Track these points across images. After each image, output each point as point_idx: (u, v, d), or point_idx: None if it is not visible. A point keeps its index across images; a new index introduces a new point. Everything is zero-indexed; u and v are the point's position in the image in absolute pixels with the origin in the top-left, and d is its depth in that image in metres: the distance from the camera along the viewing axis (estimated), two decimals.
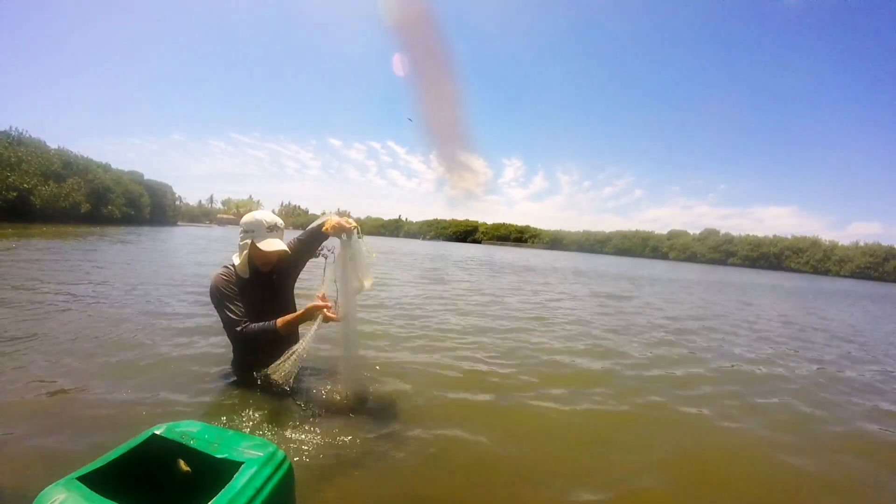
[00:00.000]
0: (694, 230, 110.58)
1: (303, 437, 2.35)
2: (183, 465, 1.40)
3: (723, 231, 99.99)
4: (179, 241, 23.50)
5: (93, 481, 1.21)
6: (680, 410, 3.38)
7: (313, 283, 2.94)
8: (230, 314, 2.62)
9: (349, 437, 2.41)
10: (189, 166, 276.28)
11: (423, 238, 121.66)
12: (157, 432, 1.44)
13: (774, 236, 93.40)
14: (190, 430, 1.45)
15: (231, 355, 3.09)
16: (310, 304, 2.61)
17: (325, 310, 2.57)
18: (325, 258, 2.82)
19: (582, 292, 11.70)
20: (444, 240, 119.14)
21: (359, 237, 2.71)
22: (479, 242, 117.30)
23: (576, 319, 6.80)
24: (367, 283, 2.74)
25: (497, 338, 5.05)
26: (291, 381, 2.55)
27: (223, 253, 15.38)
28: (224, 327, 2.73)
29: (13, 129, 36.41)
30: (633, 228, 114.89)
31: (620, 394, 3.59)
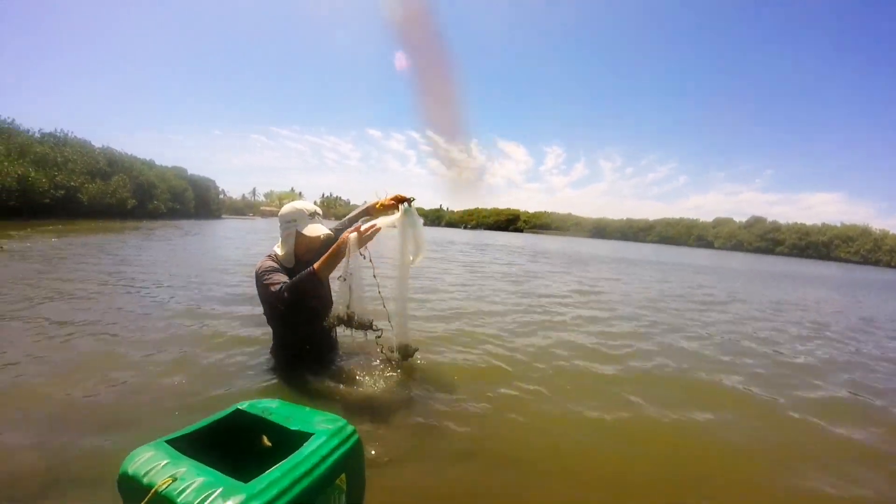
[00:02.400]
0: (740, 217, 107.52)
1: (365, 416, 2.44)
2: (265, 440, 1.59)
3: (770, 218, 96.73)
4: (227, 232, 24.20)
5: (179, 446, 1.35)
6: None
7: None
8: (272, 287, 2.60)
9: (409, 419, 2.51)
10: (231, 161, 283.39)
11: (465, 227, 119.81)
12: (241, 407, 1.62)
13: (823, 224, 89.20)
14: (270, 406, 1.63)
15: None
16: (339, 238, 2.59)
17: (356, 232, 2.56)
18: (363, 255, 2.74)
19: (648, 281, 11.59)
20: (484, 229, 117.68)
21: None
22: (521, 231, 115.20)
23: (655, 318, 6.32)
24: (420, 257, 2.79)
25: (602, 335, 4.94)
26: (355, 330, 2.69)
27: (268, 242, 15.62)
28: (269, 307, 2.78)
29: (59, 130, 37.30)
30: (677, 216, 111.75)
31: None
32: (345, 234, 2.57)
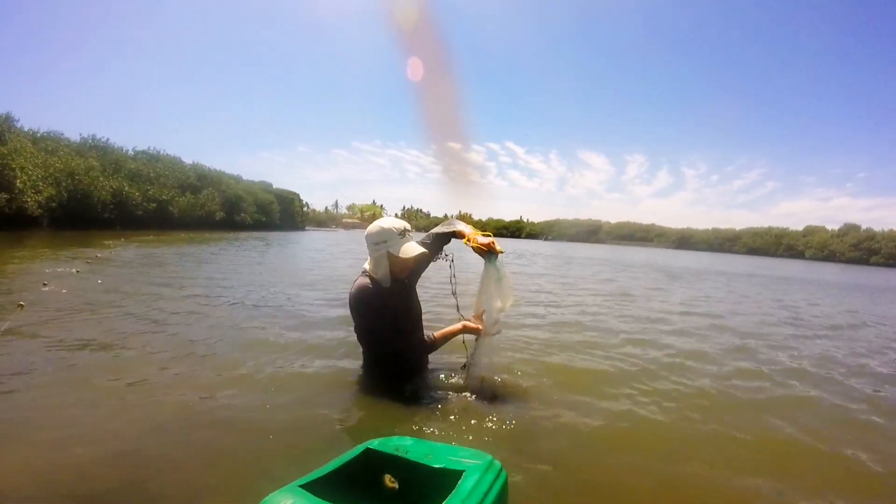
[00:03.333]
0: (832, 225, 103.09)
1: (493, 443, 2.25)
2: (388, 481, 1.45)
3: (864, 225, 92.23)
4: (315, 243, 25.12)
5: (314, 489, 1.26)
6: None
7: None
8: (385, 326, 2.66)
9: (542, 445, 2.30)
10: (315, 175, 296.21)
11: (545, 239, 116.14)
12: (372, 446, 1.50)
13: None
14: (403, 444, 1.51)
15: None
16: (467, 322, 2.81)
17: (477, 330, 2.77)
18: (447, 260, 2.97)
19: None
20: (566, 240, 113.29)
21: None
22: (602, 242, 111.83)
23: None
24: (508, 304, 2.77)
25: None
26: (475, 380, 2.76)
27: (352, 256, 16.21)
28: (373, 340, 2.77)
29: (151, 148, 39.86)
30: (766, 225, 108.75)
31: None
32: (469, 325, 2.79)
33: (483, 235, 2.79)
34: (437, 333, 2.82)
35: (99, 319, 4.14)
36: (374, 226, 2.66)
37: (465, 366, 2.81)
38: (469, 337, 2.88)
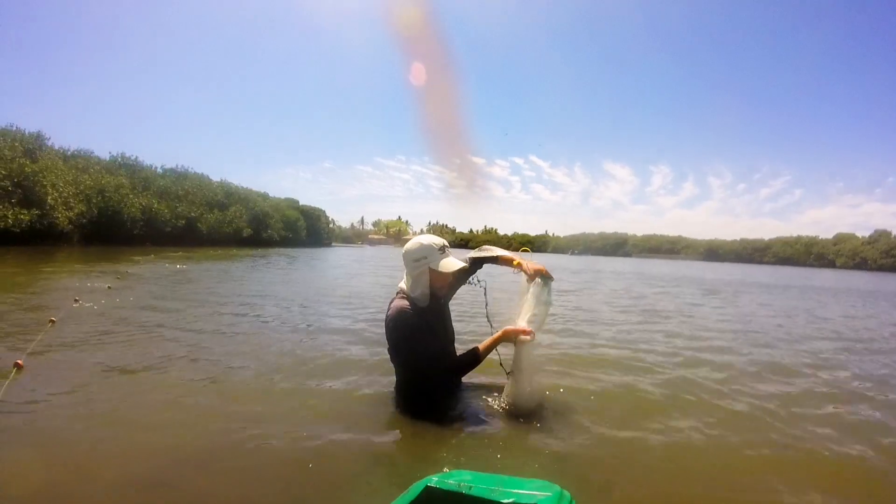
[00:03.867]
0: (863, 232, 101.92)
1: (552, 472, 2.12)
2: None
3: (895, 231, 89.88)
4: (342, 259, 25.22)
5: None
6: None
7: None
8: (430, 348, 2.64)
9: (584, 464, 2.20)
10: (340, 191, 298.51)
11: (572, 253, 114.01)
12: (432, 484, 1.35)
13: None
14: (464, 479, 1.35)
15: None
16: (507, 328, 2.67)
17: (521, 334, 2.64)
18: (480, 286, 2.96)
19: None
20: (591, 254, 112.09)
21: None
22: (629, 255, 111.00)
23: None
24: (542, 327, 2.80)
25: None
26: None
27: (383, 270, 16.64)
28: (420, 362, 2.69)
29: (179, 166, 40.65)
30: (794, 234, 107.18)
31: None
32: (510, 329, 2.65)
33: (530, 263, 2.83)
34: (480, 346, 2.72)
35: (130, 338, 4.04)
36: (414, 242, 2.68)
37: (509, 373, 2.72)
38: (505, 352, 2.81)
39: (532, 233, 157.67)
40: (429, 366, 2.65)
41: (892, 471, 2.32)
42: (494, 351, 2.80)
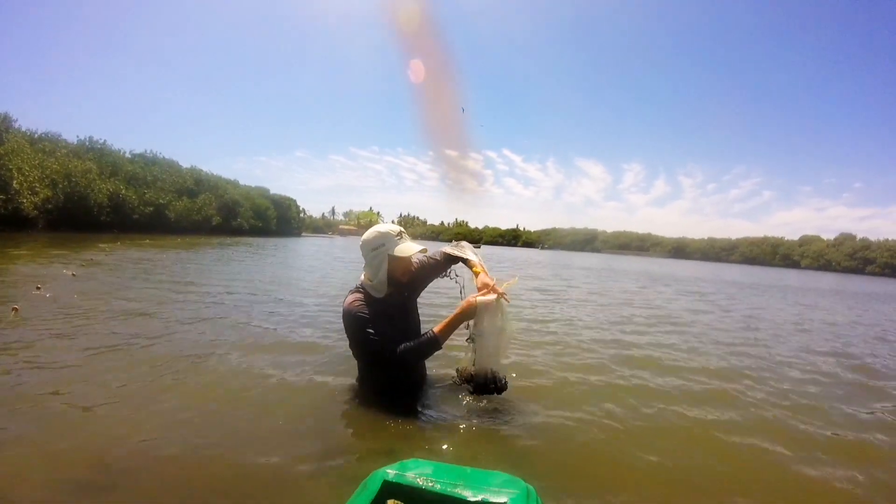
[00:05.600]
0: (828, 234, 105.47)
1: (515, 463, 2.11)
2: None
3: (859, 235, 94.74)
4: (310, 249, 25.03)
5: None
6: None
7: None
8: (378, 336, 2.50)
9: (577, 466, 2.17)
10: (312, 180, 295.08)
11: (541, 247, 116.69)
12: (389, 478, 1.27)
13: None
14: (424, 471, 1.29)
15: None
16: (468, 298, 2.58)
17: (486, 293, 2.56)
18: (456, 281, 2.95)
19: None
20: (561, 249, 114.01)
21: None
22: (599, 251, 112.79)
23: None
24: (501, 359, 2.68)
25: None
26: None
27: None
28: (367, 352, 2.65)
29: (148, 151, 39.84)
30: (762, 234, 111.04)
31: None
32: (472, 299, 2.55)
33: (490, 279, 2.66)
34: (436, 329, 2.54)
35: (90, 326, 3.98)
36: (370, 232, 2.65)
37: (469, 339, 2.62)
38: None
39: (503, 226, 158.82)
40: (382, 349, 2.50)
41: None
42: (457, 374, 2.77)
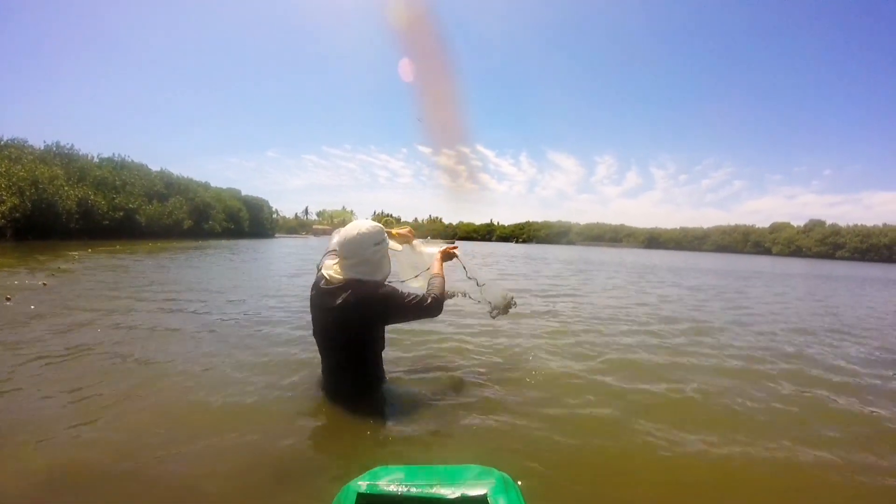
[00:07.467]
0: (798, 221, 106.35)
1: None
2: None
3: (829, 221, 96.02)
4: (284, 250, 24.53)
5: None
6: None
7: None
8: (414, 298, 2.57)
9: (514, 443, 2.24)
10: (285, 181, 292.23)
11: (516, 241, 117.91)
12: (362, 490, 1.22)
13: (885, 225, 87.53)
14: (396, 477, 1.26)
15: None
16: (438, 252, 3.07)
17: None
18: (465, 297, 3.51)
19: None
20: (536, 242, 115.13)
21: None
22: (573, 244, 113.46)
23: None
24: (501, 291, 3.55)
25: None
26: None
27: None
28: (410, 315, 2.62)
29: (116, 155, 39.39)
30: (733, 223, 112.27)
31: None
32: (448, 248, 3.15)
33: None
34: (434, 269, 2.92)
35: (64, 338, 3.89)
36: (365, 225, 2.52)
37: (481, 284, 3.41)
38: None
39: (477, 222, 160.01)
40: (424, 304, 2.58)
41: None
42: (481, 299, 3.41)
